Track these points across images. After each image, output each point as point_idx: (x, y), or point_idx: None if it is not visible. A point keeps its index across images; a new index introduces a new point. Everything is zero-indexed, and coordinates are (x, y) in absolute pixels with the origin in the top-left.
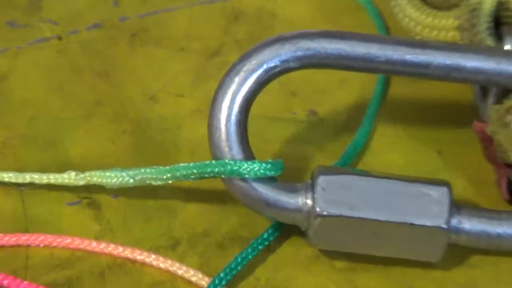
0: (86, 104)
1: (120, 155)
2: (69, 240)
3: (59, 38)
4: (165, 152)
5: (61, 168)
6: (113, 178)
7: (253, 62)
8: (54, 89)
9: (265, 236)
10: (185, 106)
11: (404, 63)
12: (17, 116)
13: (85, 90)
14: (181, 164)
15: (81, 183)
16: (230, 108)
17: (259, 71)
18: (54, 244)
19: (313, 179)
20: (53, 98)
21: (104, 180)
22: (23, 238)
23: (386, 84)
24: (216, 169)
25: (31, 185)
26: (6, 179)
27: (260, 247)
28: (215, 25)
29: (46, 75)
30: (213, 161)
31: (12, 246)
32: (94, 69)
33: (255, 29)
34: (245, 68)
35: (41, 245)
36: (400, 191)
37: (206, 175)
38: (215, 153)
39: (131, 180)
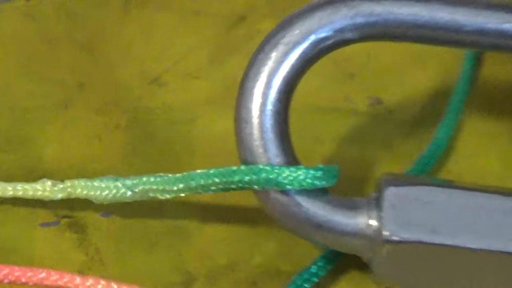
0: (64, 88)
1: (112, 159)
2: (43, 275)
3: None
4: (173, 155)
5: (31, 176)
6: (103, 189)
7: (296, 32)
8: (20, 68)
9: (313, 270)
10: (200, 92)
11: (502, 34)
12: None
13: (62, 69)
14: (198, 171)
15: (60, 196)
16: (265, 94)
17: (305, 45)
18: (23, 279)
19: (380, 191)
20: (18, 81)
21: (92, 193)
22: None
23: (476, 63)
24: (246, 178)
25: None
26: None
27: (306, 286)
28: None
29: (9, 48)
30: (242, 167)
31: None
32: (74, 40)
33: None
34: (285, 40)
35: (5, 280)
36: (497, 208)
37: (233, 186)
38: (244, 156)
39: (129, 193)
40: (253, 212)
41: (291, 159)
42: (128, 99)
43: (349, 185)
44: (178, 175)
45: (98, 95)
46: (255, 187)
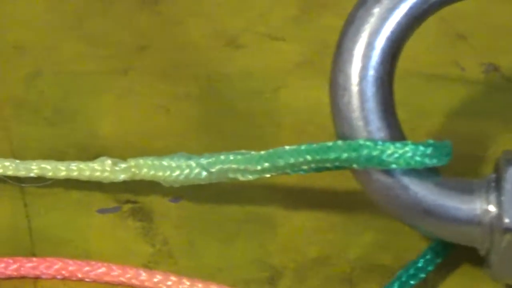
0: (121, 50)
1: (181, 134)
2: (102, 269)
3: None
4: (255, 129)
5: (84, 154)
6: (174, 169)
7: None
8: (69, 29)
9: (420, 264)
10: (285, 56)
11: None
12: (11, 72)
13: (119, 29)
14: (286, 148)
15: (122, 177)
16: (367, 57)
17: None
18: (79, 275)
19: (499, 172)
20: (67, 43)
21: (160, 173)
22: (27, 266)
23: None
24: (344, 155)
25: (40, 180)
26: None
27: (412, 282)
28: None
29: (56, 5)
30: (339, 142)
31: (10, 277)
32: None
33: None
34: None
35: (58, 276)
36: None
37: (327, 165)
38: (341, 130)
39: (204, 173)
40: (348, 197)
41: (396, 134)
42: (199, 64)
43: (462, 164)
44: (262, 152)
45: (163, 59)
46: (354, 166)
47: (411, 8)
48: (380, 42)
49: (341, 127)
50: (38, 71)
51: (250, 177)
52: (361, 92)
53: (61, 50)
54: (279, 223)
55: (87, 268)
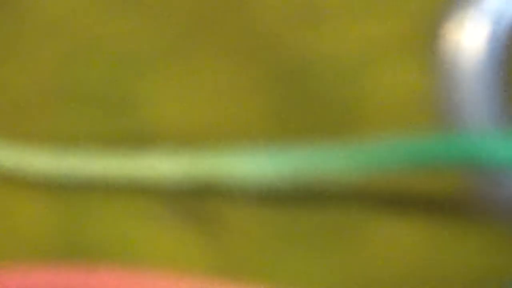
0: (179, 26)
1: (251, 123)
2: (164, 281)
3: None
4: (338, 116)
5: (137, 146)
6: (245, 165)
7: None
8: (116, 2)
9: None
10: (372, 33)
11: None
12: (51, 51)
13: (175, 1)
14: (382, 142)
15: (182, 175)
16: (495, 25)
17: None
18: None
19: None
20: (115, 18)
21: (228, 170)
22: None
23: None
24: (452, 150)
25: (83, 178)
26: (37, 167)
27: None
28: None
29: None
30: (445, 136)
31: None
32: None
33: None
34: None
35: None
36: None
37: (429, 163)
38: (447, 120)
39: (281, 171)
40: (449, 201)
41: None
42: (274, 42)
43: None
44: (351, 145)
45: (230, 36)
46: (463, 164)
47: None
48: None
49: (449, 117)
50: (80, 50)
51: (338, 176)
52: (477, 74)
53: (109, 27)
54: (373, 230)
55: (142, 279)
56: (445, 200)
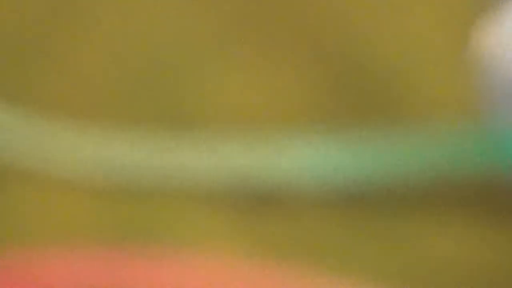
0: (231, 15)
1: (301, 110)
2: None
3: None
4: (388, 108)
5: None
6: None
7: None
8: None
9: None
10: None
11: None
12: (110, 47)
13: None
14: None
15: (233, 168)
16: None
17: None
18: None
19: None
20: (160, 11)
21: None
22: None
23: None
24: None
25: (132, 173)
26: (87, 164)
27: None
28: None
29: None
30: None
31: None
32: None
33: None
34: None
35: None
36: None
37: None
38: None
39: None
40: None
41: None
42: (321, 34)
43: None
44: (408, 147)
45: (275, 31)
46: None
47: None
48: None
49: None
50: (131, 40)
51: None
52: None
53: (155, 19)
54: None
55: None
56: (492, 201)
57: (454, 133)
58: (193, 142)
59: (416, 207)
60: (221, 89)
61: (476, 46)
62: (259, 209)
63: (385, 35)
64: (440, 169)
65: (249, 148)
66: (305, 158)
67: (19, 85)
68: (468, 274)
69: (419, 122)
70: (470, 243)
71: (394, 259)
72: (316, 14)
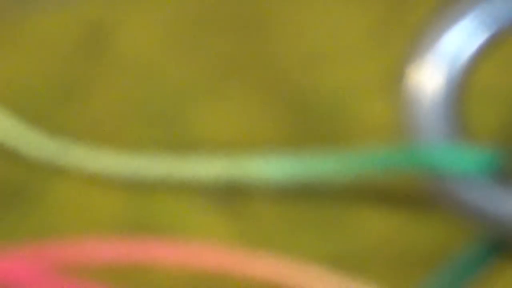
0: (223, 64)
1: (273, 138)
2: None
3: None
4: (330, 133)
5: (185, 155)
6: (270, 168)
7: None
8: (171, 39)
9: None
10: (359, 71)
11: None
12: (127, 83)
13: (217, 40)
14: (355, 149)
15: (220, 175)
16: (447, 70)
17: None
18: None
19: None
20: (169, 52)
21: (256, 172)
22: (137, 249)
23: None
24: (412, 159)
25: (146, 177)
26: (112, 169)
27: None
28: None
29: (162, 25)
30: (407, 146)
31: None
32: (231, 12)
33: None
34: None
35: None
36: None
37: (396, 168)
38: (411, 133)
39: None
40: (411, 198)
41: (464, 138)
42: (286, 76)
43: None
44: (343, 154)
45: (254, 70)
46: (422, 170)
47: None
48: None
49: (411, 131)
50: (147, 81)
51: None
52: (434, 96)
53: (165, 58)
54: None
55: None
56: (408, 196)
57: (386, 148)
58: (191, 155)
59: (353, 200)
60: (209, 116)
61: (406, 79)
62: (234, 205)
63: (334, 76)
64: (371, 173)
65: (229, 159)
66: (268, 166)
67: (58, 115)
68: (396, 251)
69: (359, 142)
70: (396, 227)
71: (335, 241)
72: (282, 57)
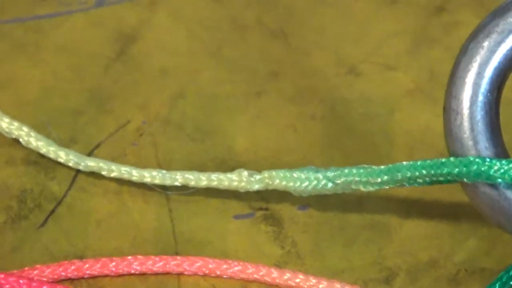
0: (255, 75)
1: (308, 150)
2: (238, 268)
3: None
4: (372, 147)
5: (222, 167)
6: (303, 181)
7: (510, 20)
8: (208, 54)
9: None
10: (399, 83)
11: None
12: (156, 92)
13: (253, 56)
14: (404, 163)
15: (257, 187)
16: (477, 85)
17: None
18: (218, 272)
19: None
20: (206, 67)
21: (291, 184)
22: (172, 264)
23: None
24: (456, 170)
25: (183, 189)
26: (148, 180)
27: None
28: None
29: (196, 33)
30: (451, 159)
31: (156, 273)
32: (265, 26)
33: None
34: (498, 29)
35: (199, 273)
36: None
37: (440, 179)
38: (453, 148)
39: (330, 185)
40: (455, 207)
41: (501, 152)
42: (324, 89)
43: None
44: (382, 167)
45: (291, 83)
46: (464, 180)
47: None
48: (489, 72)
49: (453, 146)
50: (181, 92)
51: (371, 188)
52: (471, 116)
53: (202, 74)
54: (394, 229)
55: (224, 266)
56: (449, 205)
57: (429, 161)
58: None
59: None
60: (243, 134)
61: (446, 94)
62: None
63: (372, 90)
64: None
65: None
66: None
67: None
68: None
69: (400, 156)
70: (416, 235)
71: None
72: (317, 81)
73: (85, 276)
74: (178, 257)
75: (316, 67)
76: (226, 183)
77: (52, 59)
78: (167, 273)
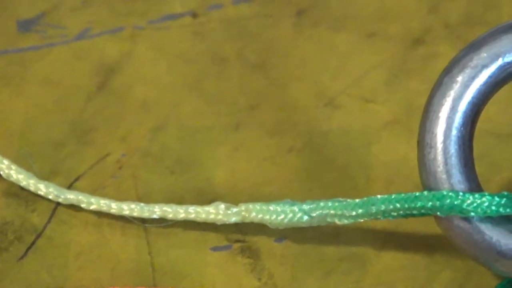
0: (235, 108)
1: (286, 183)
2: None
3: (194, 15)
4: (350, 179)
5: (200, 199)
6: (279, 213)
7: (484, 55)
8: (189, 87)
9: None
10: (377, 115)
11: None
12: (136, 124)
13: (233, 88)
14: (379, 196)
15: (233, 219)
16: (451, 119)
17: (492, 68)
18: None
19: None
20: (186, 100)
21: (267, 217)
22: None
23: None
24: (429, 204)
25: (161, 221)
26: (126, 212)
27: None
28: (418, 2)
29: (177, 65)
30: (425, 193)
31: None
32: (245, 58)
33: (473, 8)
34: (472, 64)
35: None
36: None
37: (414, 212)
38: (427, 181)
39: (306, 218)
40: (430, 239)
41: (474, 186)
42: (302, 121)
43: None
44: (357, 200)
45: (270, 116)
46: (438, 213)
47: (490, 77)
48: (463, 106)
49: (427, 180)
50: (162, 125)
51: (346, 221)
52: (445, 150)
53: (182, 106)
54: (370, 261)
55: None
56: (424, 237)
57: (403, 194)
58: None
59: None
60: (222, 166)
61: (421, 126)
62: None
63: (351, 121)
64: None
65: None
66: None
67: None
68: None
69: (377, 188)
70: (394, 265)
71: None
72: (296, 112)
73: None
74: None
75: (296, 99)
76: (203, 215)
77: (35, 91)
78: None
